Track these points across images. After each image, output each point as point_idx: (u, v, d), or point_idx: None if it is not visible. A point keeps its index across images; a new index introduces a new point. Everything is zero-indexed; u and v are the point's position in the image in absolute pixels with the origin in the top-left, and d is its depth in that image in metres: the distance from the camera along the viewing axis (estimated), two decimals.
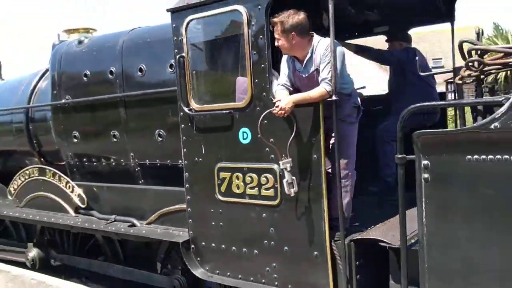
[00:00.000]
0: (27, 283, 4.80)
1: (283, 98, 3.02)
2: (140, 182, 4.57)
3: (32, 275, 4.97)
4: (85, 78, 4.75)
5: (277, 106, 3.01)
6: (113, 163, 4.72)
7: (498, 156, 2.36)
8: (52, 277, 4.88)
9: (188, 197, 3.72)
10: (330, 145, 3.15)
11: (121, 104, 4.47)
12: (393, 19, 4.62)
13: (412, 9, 4.44)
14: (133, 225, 4.32)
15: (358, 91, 4.86)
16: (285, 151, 3.05)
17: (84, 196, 4.83)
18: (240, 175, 3.38)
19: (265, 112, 3.12)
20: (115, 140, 4.57)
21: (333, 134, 3.07)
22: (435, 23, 4.81)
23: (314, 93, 2.98)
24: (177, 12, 3.61)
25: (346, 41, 4.86)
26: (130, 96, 4.38)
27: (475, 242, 2.46)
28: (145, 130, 4.36)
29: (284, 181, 3.03)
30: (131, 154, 4.51)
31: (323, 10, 4.04)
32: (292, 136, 3.05)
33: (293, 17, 3.02)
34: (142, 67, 4.29)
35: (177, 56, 3.58)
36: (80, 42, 4.96)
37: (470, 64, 2.67)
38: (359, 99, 3.35)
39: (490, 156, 2.39)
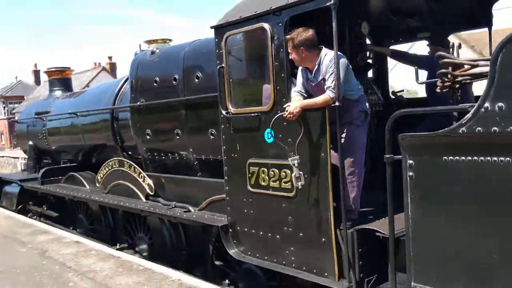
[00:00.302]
0: (135, 269, 5.09)
1: (292, 104, 3.52)
2: (198, 174, 5.36)
3: (140, 261, 5.36)
4: (155, 84, 5.65)
5: (286, 111, 3.49)
6: (177, 157, 5.61)
7: (469, 158, 2.62)
8: (158, 265, 5.18)
9: (227, 187, 4.39)
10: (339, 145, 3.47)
11: (182, 106, 5.31)
12: (433, 25, 4.77)
13: (451, 15, 4.62)
14: (188, 211, 5.08)
15: (398, 94, 5.17)
16: (293, 149, 3.54)
17: (152, 185, 5.81)
18: (265, 169, 3.94)
19: (276, 116, 3.65)
20: (178, 137, 5.43)
21: (342, 135, 3.45)
22: (474, 28, 4.92)
23: (319, 100, 3.44)
24: (218, 29, 4.28)
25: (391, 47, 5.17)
26: (189, 99, 5.19)
27: (453, 232, 2.74)
28: (201, 129, 5.15)
29: (293, 175, 3.55)
30: (190, 149, 5.31)
31: (360, 20, 4.51)
32: (300, 136, 3.53)
33: (302, 34, 3.50)
34: (198, 74, 5.06)
35: (218, 67, 4.24)
36: (153, 52, 5.84)
37: (443, 75, 2.97)
38: (367, 104, 3.72)
39: (463, 158, 2.65)
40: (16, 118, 12.98)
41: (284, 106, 3.59)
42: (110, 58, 43.84)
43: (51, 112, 8.90)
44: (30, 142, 9.72)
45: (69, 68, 10.29)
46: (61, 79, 10.01)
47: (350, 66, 3.62)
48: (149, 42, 6.47)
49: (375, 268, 3.54)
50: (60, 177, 8.31)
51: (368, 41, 4.98)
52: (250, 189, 4.08)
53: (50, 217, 8.70)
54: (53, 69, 10.08)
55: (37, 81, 47.65)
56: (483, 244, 2.60)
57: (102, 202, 6.58)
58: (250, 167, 4.06)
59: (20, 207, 9.35)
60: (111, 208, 6.70)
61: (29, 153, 9.87)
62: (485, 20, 4.53)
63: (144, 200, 5.87)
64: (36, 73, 48.03)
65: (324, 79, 3.50)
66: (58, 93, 9.69)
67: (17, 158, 22.10)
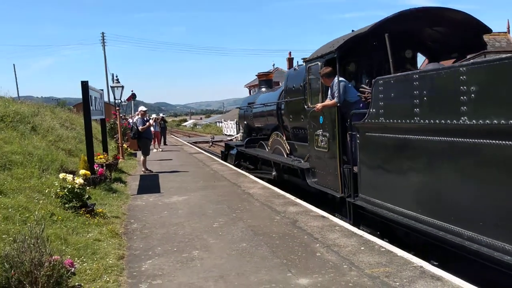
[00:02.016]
0: (376, 249, 5.23)
1: (319, 104, 7.40)
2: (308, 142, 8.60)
3: (382, 243, 5.46)
4: (293, 88, 9.53)
5: (315, 107, 7.48)
6: (303, 132, 9.07)
7: (371, 133, 5.88)
8: (399, 249, 5.19)
9: (309, 147, 8.23)
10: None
11: (299, 102, 8.91)
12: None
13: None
14: (300, 162, 8.95)
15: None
16: (320, 126, 7.51)
17: (288, 147, 10.17)
18: (319, 137, 7.61)
19: (313, 109, 7.69)
20: (302, 120, 8.91)
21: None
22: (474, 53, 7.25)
23: (330, 102, 7.09)
24: (305, 62, 8.40)
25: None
26: (291, 101, 9.79)
27: (375, 167, 5.88)
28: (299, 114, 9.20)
29: (317, 139, 7.56)
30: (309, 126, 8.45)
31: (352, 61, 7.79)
32: (322, 119, 7.45)
33: (324, 70, 7.25)
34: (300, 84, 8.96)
35: (303, 83, 8.49)
36: (295, 69, 9.74)
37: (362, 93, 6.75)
38: (361, 105, 6.80)
39: (370, 133, 5.93)
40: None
41: (314, 105, 7.71)
42: None
43: (255, 103, 13.22)
44: (245, 122, 14.65)
45: (271, 72, 15.39)
46: (265, 80, 14.57)
47: (349, 85, 7.17)
48: (304, 59, 8.69)
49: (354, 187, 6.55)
50: (255, 144, 13.10)
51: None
52: (315, 147, 7.85)
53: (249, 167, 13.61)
54: (261, 73, 14.68)
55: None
56: (388, 172, 5.62)
57: (265, 157, 11.60)
58: (315, 136, 7.79)
59: (236, 162, 14.66)
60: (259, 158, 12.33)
61: (244, 129, 14.93)
62: (480, 47, 7.01)
63: (285, 156, 10.19)
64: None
65: (333, 93, 7.10)
66: (263, 89, 14.16)
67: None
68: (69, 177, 7.01)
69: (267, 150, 11.69)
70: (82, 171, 8.01)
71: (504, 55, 3.99)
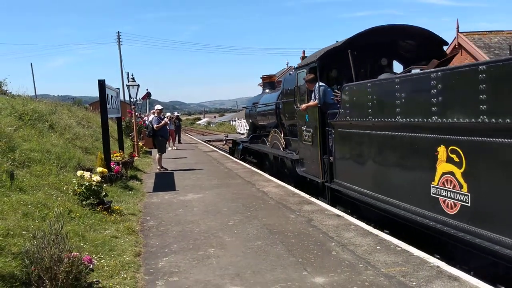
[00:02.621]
0: (392, 248, 5.20)
1: (304, 105, 8.75)
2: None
3: (398, 242, 5.43)
4: (288, 91, 10.87)
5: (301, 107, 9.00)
6: (295, 129, 10.06)
7: (342, 129, 7.30)
8: (415, 249, 5.17)
9: (298, 142, 9.58)
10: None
11: (292, 103, 10.33)
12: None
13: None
14: (292, 154, 10.25)
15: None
16: (305, 123, 8.83)
17: (284, 142, 11.38)
18: (305, 133, 8.91)
19: (303, 107, 8.79)
20: (295, 119, 10.18)
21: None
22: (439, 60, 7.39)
23: (312, 103, 8.33)
24: (295, 69, 10.05)
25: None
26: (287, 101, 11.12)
27: (347, 157, 7.29)
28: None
29: (304, 134, 8.96)
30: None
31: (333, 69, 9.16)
32: (307, 117, 8.70)
33: (307, 76, 8.55)
34: (292, 88, 10.19)
35: (293, 87, 9.76)
36: (290, 74, 11.17)
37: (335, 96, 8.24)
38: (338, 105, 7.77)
39: (341, 129, 7.35)
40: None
41: (301, 105, 9.03)
42: None
43: (259, 103, 14.59)
44: (250, 120, 16.35)
45: (274, 75, 16.72)
46: (268, 82, 15.77)
47: (328, 89, 8.38)
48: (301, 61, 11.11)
49: (331, 174, 7.93)
50: (259, 140, 14.39)
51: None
52: (302, 142, 9.27)
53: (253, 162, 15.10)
54: (265, 76, 16.07)
55: None
56: (354, 161, 7.02)
57: (264, 151, 13.30)
58: (302, 131, 9.16)
59: (242, 156, 16.19)
60: (269, 154, 12.94)
61: (249, 127, 16.72)
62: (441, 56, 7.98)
63: (281, 150, 11.42)
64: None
65: (315, 95, 8.31)
66: (266, 90, 15.34)
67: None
68: (87, 174, 7.10)
69: (267, 145, 13.11)
70: (99, 169, 8.10)
71: (421, 70, 5.78)
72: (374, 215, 6.75)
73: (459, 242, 4.81)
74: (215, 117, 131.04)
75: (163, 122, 13.57)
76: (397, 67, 8.98)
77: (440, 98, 4.84)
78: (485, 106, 4.18)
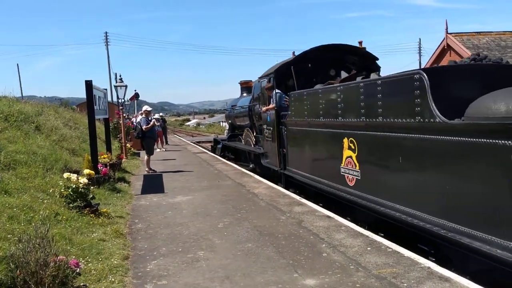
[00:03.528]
0: (383, 250, 5.19)
1: (264, 107, 11.00)
2: None
3: (388, 243, 5.38)
4: (256, 95, 12.77)
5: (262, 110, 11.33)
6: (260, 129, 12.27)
7: (291, 127, 9.40)
8: (406, 250, 5.14)
9: (263, 138, 11.52)
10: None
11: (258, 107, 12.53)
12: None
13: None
14: (260, 149, 12.08)
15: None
16: (267, 123, 10.86)
17: (254, 139, 12.99)
18: (266, 131, 10.98)
19: (261, 110, 11.39)
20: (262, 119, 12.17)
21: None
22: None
23: (270, 106, 10.32)
24: (259, 78, 12.18)
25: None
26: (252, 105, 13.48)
27: (296, 150, 9.32)
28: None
29: (266, 132, 11.08)
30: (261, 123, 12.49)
31: (331, 68, 10.55)
32: (268, 119, 10.76)
33: (267, 85, 10.75)
34: (259, 93, 12.43)
35: (258, 93, 12.19)
36: (259, 81, 12.46)
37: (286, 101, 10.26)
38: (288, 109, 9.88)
39: (291, 127, 9.39)
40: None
41: (263, 108, 11.14)
42: (360, 43, 44.46)
43: (237, 105, 16.21)
44: (229, 121, 18.03)
45: (251, 80, 16.52)
46: (246, 87, 17.10)
47: (283, 95, 10.08)
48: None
49: (284, 163, 9.96)
50: (236, 138, 16.33)
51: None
52: (265, 139, 11.15)
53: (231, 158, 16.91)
54: (243, 81, 17.65)
55: None
56: (299, 152, 9.08)
57: (238, 147, 15.41)
58: (265, 130, 11.09)
59: (222, 153, 18.00)
60: (243, 150, 14.96)
61: (229, 127, 18.50)
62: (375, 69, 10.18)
63: (252, 146, 13.16)
64: None
65: (272, 100, 10.18)
66: (244, 94, 16.99)
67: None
68: (73, 176, 6.99)
69: (242, 142, 15.04)
70: (86, 171, 7.99)
71: (337, 84, 7.94)
72: (312, 192, 8.86)
73: (356, 204, 6.79)
74: (204, 118, 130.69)
75: (151, 123, 13.46)
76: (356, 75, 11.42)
77: (342, 104, 7.00)
78: (363, 111, 6.28)
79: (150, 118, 13.82)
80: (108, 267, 4.76)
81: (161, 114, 34.65)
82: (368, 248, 5.29)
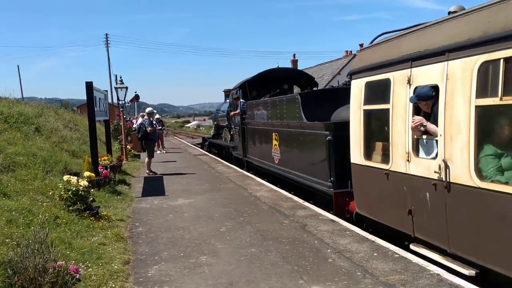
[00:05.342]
0: (390, 255, 5.07)
1: (232, 112, 15.20)
2: None
3: (395, 249, 5.27)
4: (230, 102, 16.83)
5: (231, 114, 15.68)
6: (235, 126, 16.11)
7: (250, 127, 13.16)
8: (414, 256, 4.99)
9: (234, 135, 16.08)
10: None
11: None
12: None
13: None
14: (233, 144, 16.36)
15: None
16: (236, 124, 14.97)
17: (230, 137, 17.01)
18: (234, 130, 15.52)
19: (231, 114, 15.36)
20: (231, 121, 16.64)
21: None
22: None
23: (237, 111, 14.36)
24: (232, 89, 16.91)
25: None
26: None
27: (253, 144, 12.95)
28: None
29: (234, 130, 15.60)
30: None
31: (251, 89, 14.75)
32: (236, 121, 14.70)
33: (234, 95, 15.31)
34: (232, 101, 16.54)
35: (231, 100, 16.01)
36: (233, 90, 16.78)
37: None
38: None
39: (250, 126, 13.19)
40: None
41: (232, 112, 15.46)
42: (361, 45, 44.50)
43: (220, 110, 19.82)
44: (215, 122, 22.01)
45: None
46: (228, 94, 18.75)
47: (245, 103, 13.76)
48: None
49: (245, 152, 14.05)
50: (218, 137, 20.32)
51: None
52: (235, 135, 15.25)
53: (216, 152, 20.79)
54: (226, 89, 20.15)
55: None
56: (254, 143, 12.73)
57: (219, 143, 19.58)
58: (234, 129, 15.50)
59: (208, 149, 22.01)
60: (222, 145, 19.02)
61: (214, 127, 22.52)
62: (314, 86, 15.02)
63: (228, 142, 17.03)
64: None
65: (238, 107, 14.21)
66: (227, 100, 18.76)
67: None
68: (73, 179, 6.87)
69: (222, 140, 19.04)
70: (86, 173, 7.88)
71: (277, 97, 11.13)
72: (262, 172, 12.22)
73: (279, 175, 10.60)
74: (204, 120, 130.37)
75: (155, 125, 13.40)
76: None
77: (270, 111, 11.05)
78: (279, 115, 10.29)
79: (153, 120, 13.76)
80: (109, 272, 4.65)
81: (157, 116, 34.50)
82: (375, 254, 5.17)
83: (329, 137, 7.47)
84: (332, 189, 7.37)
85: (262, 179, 11.46)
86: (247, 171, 13.44)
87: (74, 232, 5.74)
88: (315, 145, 8.06)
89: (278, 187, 10.12)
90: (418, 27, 5.29)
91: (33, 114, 12.03)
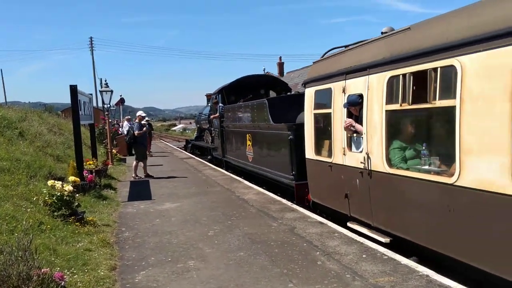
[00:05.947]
0: (379, 257, 5.07)
1: (213, 115, 16.48)
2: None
3: (384, 250, 5.28)
4: (210, 105, 18.60)
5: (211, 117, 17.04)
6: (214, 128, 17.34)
7: (228, 129, 14.23)
8: (403, 257, 5.00)
9: (214, 137, 17.16)
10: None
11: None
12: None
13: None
14: (213, 145, 17.57)
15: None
16: (215, 126, 16.11)
17: (211, 139, 17.89)
18: (214, 132, 16.69)
19: (212, 117, 16.64)
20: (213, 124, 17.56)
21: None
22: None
23: (216, 115, 15.51)
24: (212, 93, 17.61)
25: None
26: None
27: (230, 144, 14.08)
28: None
29: (214, 132, 16.76)
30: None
31: (230, 94, 15.44)
32: (216, 123, 15.76)
33: (213, 100, 16.56)
34: (212, 104, 18.37)
35: (213, 102, 17.11)
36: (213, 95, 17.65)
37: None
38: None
39: (227, 129, 14.24)
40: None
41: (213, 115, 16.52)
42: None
43: (203, 113, 20.94)
44: (198, 125, 23.09)
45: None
46: (210, 98, 19.57)
47: (223, 107, 14.74)
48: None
49: (224, 153, 15.21)
50: (201, 139, 21.49)
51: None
52: (215, 137, 16.29)
53: (199, 154, 21.97)
54: (208, 94, 21.40)
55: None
56: (231, 145, 13.75)
57: (201, 145, 21.10)
58: (214, 131, 16.69)
59: (191, 151, 23.13)
60: (204, 147, 20.39)
61: (197, 130, 23.47)
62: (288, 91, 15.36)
63: (209, 144, 18.11)
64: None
65: (218, 111, 15.36)
66: (209, 104, 19.53)
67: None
68: (58, 184, 6.75)
69: (204, 142, 19.95)
70: (71, 178, 7.75)
71: (255, 101, 11.77)
72: (239, 171, 13.24)
73: (253, 173, 11.58)
74: (190, 123, 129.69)
75: (144, 129, 13.24)
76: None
77: (244, 114, 12.10)
78: (250, 118, 11.54)
79: (142, 124, 13.55)
80: (95, 278, 4.56)
81: (146, 118, 34.24)
82: (363, 256, 5.17)
83: (291, 136, 8.61)
84: (294, 182, 8.54)
85: (240, 177, 12.52)
86: (226, 170, 14.47)
87: (59, 238, 5.63)
88: (280, 144, 9.35)
89: (253, 183, 11.14)
90: (356, 45, 6.51)
91: (16, 119, 11.83)
